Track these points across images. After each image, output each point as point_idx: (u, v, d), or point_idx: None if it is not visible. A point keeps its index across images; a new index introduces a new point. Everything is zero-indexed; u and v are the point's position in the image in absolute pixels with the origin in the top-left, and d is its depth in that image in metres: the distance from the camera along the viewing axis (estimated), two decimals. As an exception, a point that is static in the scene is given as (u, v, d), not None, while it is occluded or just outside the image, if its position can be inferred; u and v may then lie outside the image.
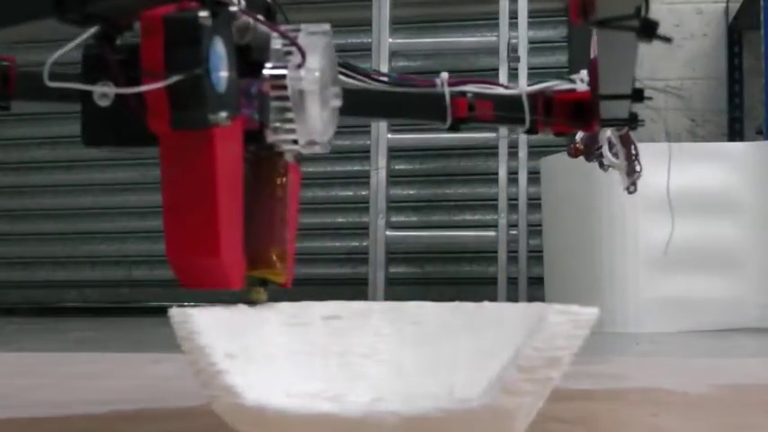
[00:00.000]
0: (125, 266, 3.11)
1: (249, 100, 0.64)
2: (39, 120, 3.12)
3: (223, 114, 0.60)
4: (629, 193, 1.13)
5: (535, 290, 2.45)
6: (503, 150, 2.55)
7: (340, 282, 2.92)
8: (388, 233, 2.56)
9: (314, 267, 2.96)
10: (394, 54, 2.63)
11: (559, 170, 2.31)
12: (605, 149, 1.10)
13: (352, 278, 2.89)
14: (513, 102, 0.94)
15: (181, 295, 3.03)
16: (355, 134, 2.90)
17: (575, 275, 2.20)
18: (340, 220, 2.97)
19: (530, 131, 0.95)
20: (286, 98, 0.66)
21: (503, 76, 2.50)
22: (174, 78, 0.57)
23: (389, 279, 2.59)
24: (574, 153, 1.11)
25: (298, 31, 0.68)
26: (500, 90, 0.95)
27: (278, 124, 0.67)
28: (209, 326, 0.63)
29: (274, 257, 0.70)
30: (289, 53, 0.66)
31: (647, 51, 2.74)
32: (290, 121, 0.66)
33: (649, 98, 0.89)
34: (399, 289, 2.67)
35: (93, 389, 1.13)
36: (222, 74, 0.60)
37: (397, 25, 2.68)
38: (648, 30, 0.61)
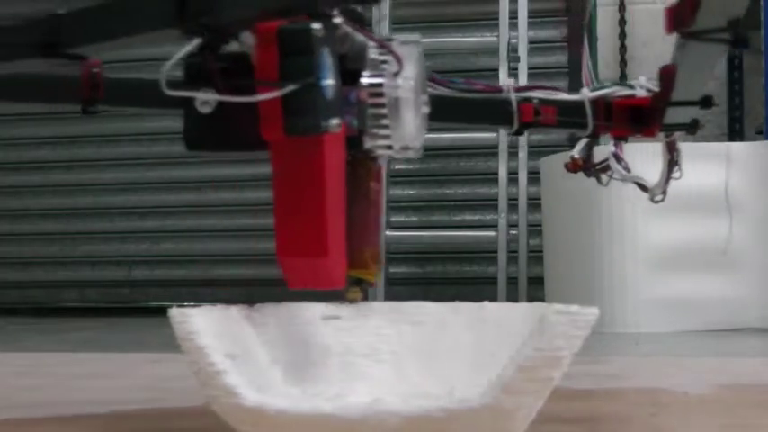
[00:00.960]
0: (125, 266, 3.11)
1: (348, 107, 0.66)
2: (39, 120, 3.12)
3: (334, 121, 0.62)
4: (657, 201, 1.14)
5: (535, 290, 2.45)
6: (503, 150, 2.55)
7: (340, 282, 2.92)
8: (388, 233, 2.56)
9: (314, 267, 2.96)
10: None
11: (559, 170, 2.29)
12: (613, 164, 1.11)
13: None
14: (576, 107, 0.96)
15: (181, 295, 3.04)
16: (355, 134, 2.90)
17: (575, 275, 2.20)
18: (340, 220, 2.97)
19: (591, 136, 0.98)
20: (383, 105, 0.68)
21: (503, 76, 2.50)
22: (290, 87, 0.60)
23: (389, 279, 2.59)
24: (572, 168, 1.12)
25: (391, 41, 0.71)
26: (563, 96, 0.97)
27: (374, 130, 0.69)
28: (209, 326, 0.63)
29: (368, 258, 0.73)
30: (384, 62, 0.69)
31: (647, 52, 2.74)
32: (386, 127, 0.69)
33: (716, 104, 0.92)
34: (399, 289, 2.66)
35: (93, 389, 1.13)
36: (330, 82, 0.63)
37: (397, 25, 2.68)
38: (741, 41, 0.65)
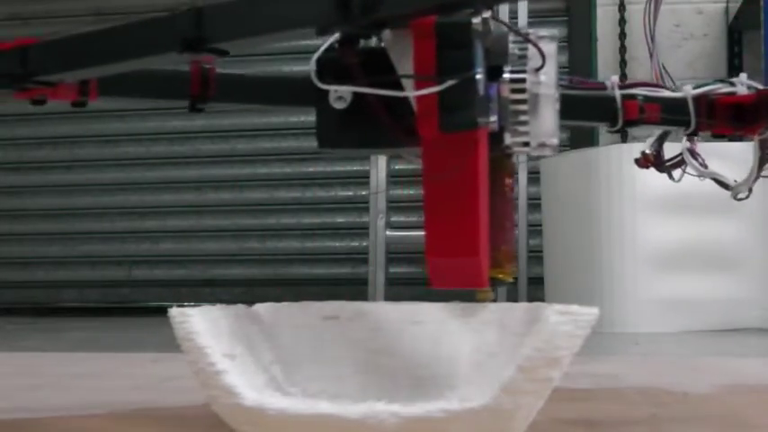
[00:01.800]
0: (125, 266, 3.11)
1: (491, 103, 0.66)
2: (39, 120, 3.12)
3: (492, 117, 0.62)
4: (740, 199, 1.14)
5: (535, 290, 2.45)
6: (503, 150, 2.54)
7: (340, 282, 2.92)
8: (388, 233, 2.56)
9: (314, 267, 2.96)
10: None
11: (559, 170, 2.31)
12: (689, 159, 1.11)
13: (352, 278, 2.89)
14: (679, 104, 0.96)
15: (181, 295, 3.04)
16: (355, 134, 2.90)
17: (575, 275, 2.20)
18: (340, 220, 2.97)
19: (693, 133, 0.98)
20: (524, 101, 0.67)
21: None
22: (450, 82, 0.59)
23: (389, 279, 2.59)
24: (643, 163, 1.12)
25: (528, 34, 0.69)
26: (666, 93, 0.97)
27: (515, 127, 0.68)
28: (209, 326, 0.63)
29: (503, 257, 0.72)
30: (523, 57, 0.68)
31: (647, 52, 2.74)
32: (525, 123, 0.68)
33: None
34: (399, 289, 2.66)
35: (93, 389, 1.13)
36: (482, 77, 0.62)
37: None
38: None
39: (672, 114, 0.96)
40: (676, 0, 2.77)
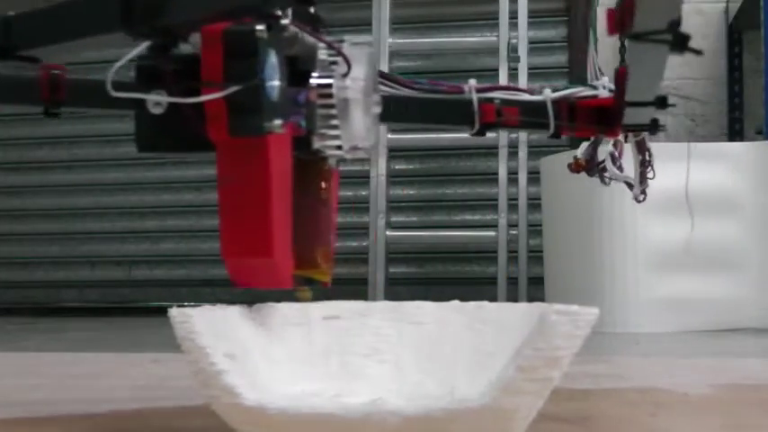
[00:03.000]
0: (125, 266, 3.11)
1: (297, 108, 0.67)
2: (39, 120, 3.09)
3: (277, 122, 0.63)
4: (639, 201, 1.14)
5: (535, 290, 2.45)
6: (503, 150, 2.55)
7: (340, 282, 2.91)
8: (388, 233, 2.56)
9: (314, 267, 2.96)
10: (394, 54, 2.63)
11: (559, 170, 2.30)
12: (609, 164, 1.12)
13: (352, 278, 2.88)
14: (538, 108, 0.96)
15: (181, 295, 3.04)
16: (355, 134, 2.90)
17: (575, 275, 2.20)
18: (340, 220, 2.96)
19: (554, 136, 0.98)
20: (332, 106, 0.69)
21: (503, 77, 2.50)
22: (233, 88, 0.61)
23: (389, 279, 2.59)
24: (575, 168, 1.13)
25: (341, 42, 0.71)
26: (525, 96, 0.97)
27: (323, 131, 0.70)
28: (209, 326, 0.63)
29: (319, 258, 0.73)
30: (334, 63, 0.70)
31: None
32: (335, 127, 0.70)
33: (673, 105, 0.92)
34: (399, 289, 2.66)
35: (93, 389, 1.13)
36: (276, 83, 0.63)
37: (397, 25, 2.68)
38: (681, 43, 0.66)
39: (532, 117, 0.96)
40: (676, 0, 2.76)
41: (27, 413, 0.93)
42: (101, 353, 1.66)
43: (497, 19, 2.57)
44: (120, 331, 2.29)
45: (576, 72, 2.67)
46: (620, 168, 1.14)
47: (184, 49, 0.67)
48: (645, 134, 1.06)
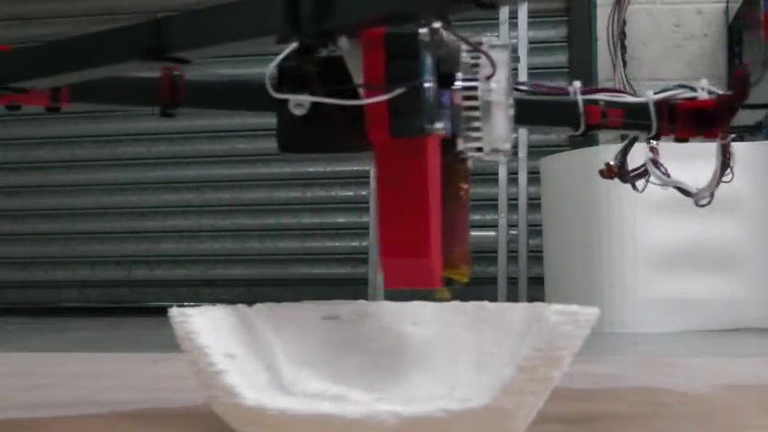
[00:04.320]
0: (125, 266, 3.11)
1: (443, 110, 0.67)
2: (39, 120, 3.12)
3: (438, 124, 0.64)
4: (702, 205, 1.14)
5: (535, 290, 2.45)
6: (503, 150, 2.55)
7: (340, 282, 2.92)
8: (388, 233, 2.55)
9: (314, 267, 2.96)
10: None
11: (559, 170, 2.30)
12: (652, 169, 1.12)
13: (352, 278, 2.89)
14: (641, 109, 0.98)
15: (181, 295, 3.04)
16: (355, 134, 2.90)
17: (575, 275, 2.20)
18: (340, 220, 2.97)
19: (655, 137, 1.01)
20: (476, 108, 0.69)
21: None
22: (397, 91, 0.62)
23: (389, 279, 2.58)
24: (607, 174, 1.13)
25: (480, 44, 0.71)
26: (628, 98, 0.99)
27: (467, 133, 0.70)
28: (209, 326, 0.63)
29: (457, 258, 0.72)
30: (476, 65, 0.70)
31: (647, 52, 2.74)
32: (477, 129, 0.70)
33: None
34: (399, 289, 2.66)
35: (93, 389, 1.13)
36: (432, 86, 0.64)
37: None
38: None
39: (634, 119, 0.98)
40: (676, 0, 2.77)
41: (27, 413, 0.92)
42: (101, 353, 1.66)
43: (497, 19, 2.57)
44: (120, 331, 2.29)
45: (576, 72, 2.67)
46: (666, 173, 1.15)
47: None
48: (731, 137, 1.06)
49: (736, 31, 2.72)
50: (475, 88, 0.69)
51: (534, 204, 2.51)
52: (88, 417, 0.90)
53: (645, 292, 2.09)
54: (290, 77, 0.67)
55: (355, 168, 2.92)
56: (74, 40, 0.76)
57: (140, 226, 3.09)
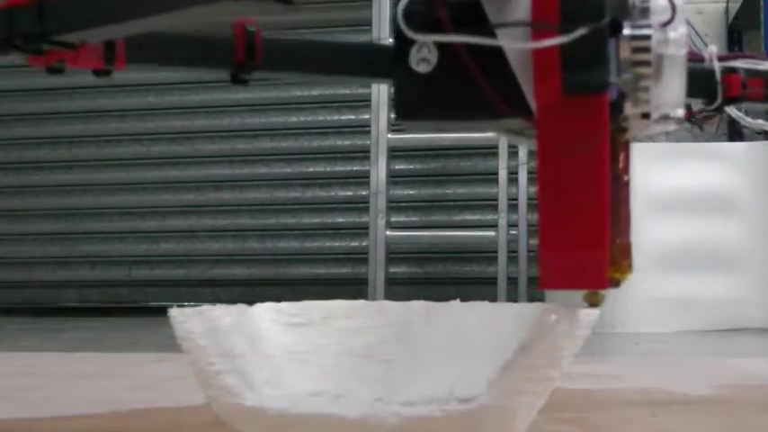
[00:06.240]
0: (125, 266, 3.11)
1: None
2: (39, 120, 3.12)
3: (626, 75, 0.52)
4: None
5: (535, 290, 2.45)
6: (503, 150, 2.55)
7: (340, 282, 2.92)
8: (388, 233, 2.56)
9: (314, 267, 2.96)
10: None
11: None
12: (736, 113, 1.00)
13: (352, 278, 2.89)
14: None
15: (181, 295, 3.04)
16: (355, 134, 2.91)
17: (575, 275, 2.20)
18: (340, 220, 2.97)
19: None
20: (647, 63, 0.55)
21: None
22: (579, 31, 0.50)
23: (389, 279, 2.59)
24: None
25: None
26: None
27: (637, 94, 0.56)
28: (209, 326, 0.63)
29: (618, 252, 0.61)
30: (646, 9, 0.55)
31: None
32: (646, 90, 0.55)
33: None
34: (399, 289, 2.66)
35: (93, 389, 1.13)
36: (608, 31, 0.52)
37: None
38: None
39: None
40: (676, 0, 2.76)
41: (27, 413, 0.92)
42: (101, 353, 1.66)
43: (497, 19, 2.56)
44: (120, 331, 2.29)
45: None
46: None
47: None
48: None
49: (736, 31, 2.73)
50: (648, 37, 0.54)
51: (534, 204, 2.50)
52: (88, 417, 0.90)
53: (645, 292, 2.09)
54: (416, 24, 0.54)
55: (355, 168, 2.92)
56: None
57: (140, 226, 3.09)
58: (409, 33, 0.53)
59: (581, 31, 0.49)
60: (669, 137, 2.56)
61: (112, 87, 3.06)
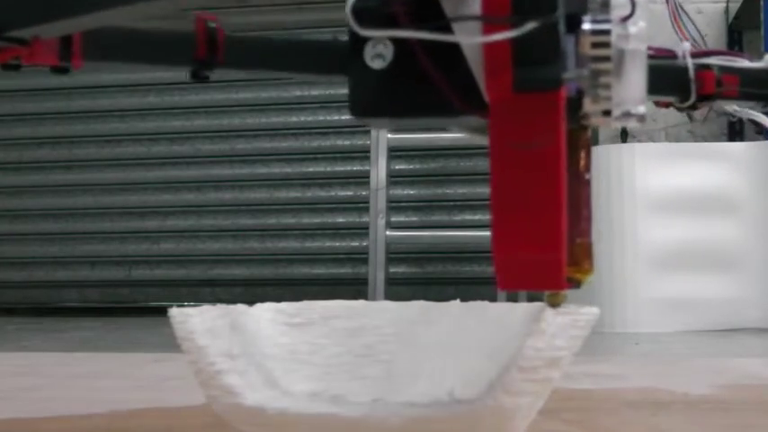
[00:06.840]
0: (125, 266, 3.11)
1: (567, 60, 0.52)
2: (39, 120, 3.12)
3: (582, 71, 0.50)
4: None
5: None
6: (503, 150, 2.55)
7: (340, 282, 2.92)
8: (388, 233, 2.56)
9: (314, 267, 2.96)
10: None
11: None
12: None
13: (352, 278, 2.89)
14: (761, 76, 0.84)
15: (181, 295, 3.04)
16: (355, 134, 2.90)
17: (575, 275, 2.20)
18: (340, 220, 2.97)
19: None
20: (607, 59, 0.53)
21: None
22: (530, 25, 0.47)
23: (389, 279, 2.59)
24: (663, 103, 0.98)
25: None
26: (745, 63, 0.85)
27: (597, 90, 0.53)
28: (209, 326, 0.63)
29: (579, 251, 0.60)
30: (606, 5, 0.54)
31: (647, 51, 2.74)
32: (607, 87, 0.53)
33: None
34: (399, 289, 2.66)
35: (93, 389, 1.13)
36: (562, 25, 0.50)
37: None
38: None
39: (753, 88, 0.83)
40: (676, 0, 2.76)
41: (27, 413, 0.92)
42: (101, 353, 1.66)
43: (497, 19, 2.57)
44: (120, 331, 2.29)
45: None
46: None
47: None
48: None
49: (736, 31, 2.72)
50: (607, 32, 0.52)
51: (534, 204, 2.50)
52: (88, 417, 0.90)
53: (645, 292, 2.09)
54: (368, 20, 0.52)
55: (355, 168, 2.92)
56: None
57: (140, 226, 3.09)
58: (357, 29, 0.52)
59: (531, 25, 0.47)
60: (669, 137, 2.56)
61: (112, 87, 3.07)
